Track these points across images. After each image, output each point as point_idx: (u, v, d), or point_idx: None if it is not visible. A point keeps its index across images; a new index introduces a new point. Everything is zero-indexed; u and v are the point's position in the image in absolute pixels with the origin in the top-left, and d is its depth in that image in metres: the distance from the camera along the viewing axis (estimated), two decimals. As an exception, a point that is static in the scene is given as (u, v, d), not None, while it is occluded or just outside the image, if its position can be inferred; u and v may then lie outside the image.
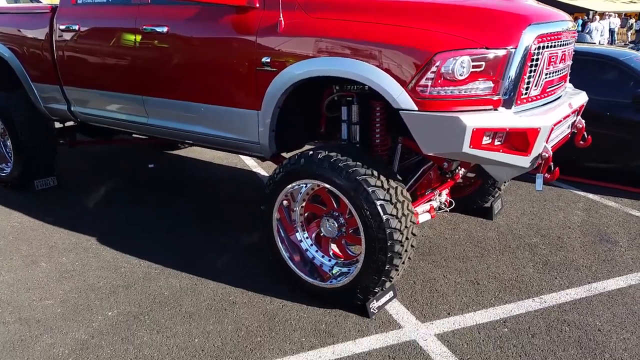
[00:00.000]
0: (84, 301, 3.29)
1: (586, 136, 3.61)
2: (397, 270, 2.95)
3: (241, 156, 6.18)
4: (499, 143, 2.80)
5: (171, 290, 3.40)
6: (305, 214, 3.34)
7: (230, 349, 2.84)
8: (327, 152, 3.00)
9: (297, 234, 3.34)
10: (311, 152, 3.05)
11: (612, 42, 22.10)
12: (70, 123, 5.16)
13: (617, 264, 3.74)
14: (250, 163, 6.15)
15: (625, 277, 3.56)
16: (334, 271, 3.20)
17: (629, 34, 27.13)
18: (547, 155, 2.87)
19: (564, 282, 3.49)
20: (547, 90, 3.12)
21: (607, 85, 5.38)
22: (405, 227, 2.91)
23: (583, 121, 3.60)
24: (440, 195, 3.78)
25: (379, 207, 2.83)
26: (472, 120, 2.66)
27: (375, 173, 2.91)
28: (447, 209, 3.88)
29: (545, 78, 3.04)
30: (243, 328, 3.01)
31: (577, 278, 3.55)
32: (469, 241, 4.10)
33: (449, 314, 3.15)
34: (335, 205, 3.14)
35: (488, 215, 4.49)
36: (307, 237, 3.34)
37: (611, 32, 22.02)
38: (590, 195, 5.10)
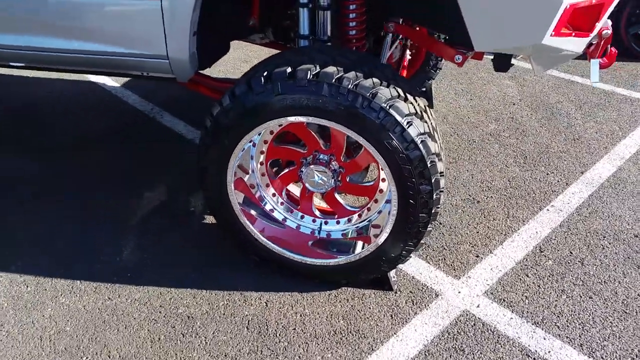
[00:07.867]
0: None
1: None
2: (433, 226, 2.07)
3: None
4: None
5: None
6: (268, 163, 2.18)
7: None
8: (316, 65, 1.80)
9: (267, 203, 2.19)
10: (287, 69, 1.81)
11: None
12: None
13: (586, 141, 3.34)
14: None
15: (608, 157, 3.17)
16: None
17: None
18: (608, 32, 2.08)
19: (560, 179, 2.97)
20: None
21: None
22: (444, 165, 1.98)
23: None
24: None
25: (421, 147, 1.82)
26: (570, -9, 1.70)
27: (400, 92, 1.86)
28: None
29: None
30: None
31: (567, 169, 3.05)
32: (429, 142, 3.32)
33: (477, 256, 2.42)
34: (321, 144, 2.04)
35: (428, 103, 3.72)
36: (284, 206, 2.23)
37: None
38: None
